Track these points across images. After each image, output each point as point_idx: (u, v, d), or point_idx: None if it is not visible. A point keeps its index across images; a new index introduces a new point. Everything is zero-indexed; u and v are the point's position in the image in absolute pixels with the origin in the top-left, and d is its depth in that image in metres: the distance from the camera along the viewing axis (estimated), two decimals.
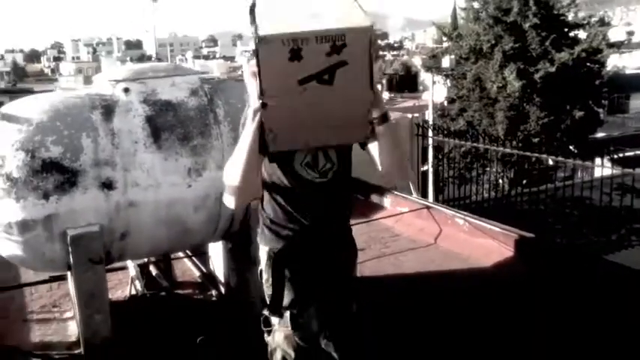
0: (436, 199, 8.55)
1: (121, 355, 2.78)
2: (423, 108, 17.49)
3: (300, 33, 1.58)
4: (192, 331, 2.88)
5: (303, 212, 1.92)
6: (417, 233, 4.68)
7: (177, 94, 2.90)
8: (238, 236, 3.08)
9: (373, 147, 1.88)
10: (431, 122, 10.29)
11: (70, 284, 3.05)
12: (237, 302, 3.20)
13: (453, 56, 16.72)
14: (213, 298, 3.49)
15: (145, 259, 3.64)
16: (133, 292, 3.53)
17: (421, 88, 30.74)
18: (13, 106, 2.78)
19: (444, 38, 18.33)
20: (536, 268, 3.73)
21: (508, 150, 8.37)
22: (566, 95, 15.17)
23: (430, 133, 8.69)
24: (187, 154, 2.79)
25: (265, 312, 1.98)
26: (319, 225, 1.94)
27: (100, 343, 2.73)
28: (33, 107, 2.73)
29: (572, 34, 16.47)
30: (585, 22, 16.48)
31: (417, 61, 33.51)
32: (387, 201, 5.30)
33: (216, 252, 3.40)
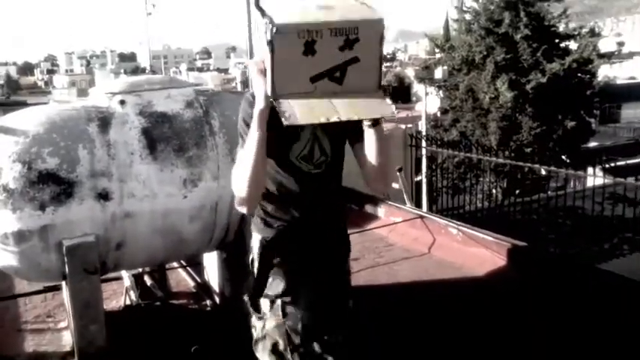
0: (430, 209, 8.59)
1: None
2: (417, 119, 17.59)
3: (314, 24, 1.53)
4: (187, 341, 2.90)
5: (296, 202, 1.95)
6: (411, 243, 4.71)
7: (172, 106, 2.94)
8: (233, 246, 3.11)
9: (359, 149, 1.90)
10: (424, 133, 10.37)
11: (65, 294, 3.06)
12: (232, 312, 3.21)
13: (445, 67, 16.86)
14: (208, 308, 3.50)
15: (140, 270, 3.65)
16: (128, 302, 3.54)
17: (414, 99, 30.92)
18: (9, 119, 2.81)
19: (437, 50, 18.51)
20: (529, 277, 3.76)
21: (501, 160, 8.45)
22: (558, 105, 15.32)
23: (424, 144, 8.76)
24: (183, 165, 2.82)
25: (255, 298, 1.99)
26: (312, 215, 1.97)
27: (95, 353, 2.74)
28: (29, 119, 2.75)
29: (563, 44, 16.67)
30: (576, 33, 16.69)
31: (410, 72, 33.74)
32: (381, 211, 5.34)
33: (211, 262, 3.42)
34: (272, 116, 1.71)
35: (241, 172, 1.80)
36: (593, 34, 17.04)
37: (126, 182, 2.72)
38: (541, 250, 4.95)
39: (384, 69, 1.88)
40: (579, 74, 16.16)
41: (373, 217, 5.29)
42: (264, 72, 1.62)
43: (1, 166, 2.56)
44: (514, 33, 15.84)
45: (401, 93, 33.80)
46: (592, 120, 17.02)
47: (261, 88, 1.67)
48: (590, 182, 7.86)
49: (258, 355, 2.03)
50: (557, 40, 16.53)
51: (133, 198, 2.73)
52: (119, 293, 3.66)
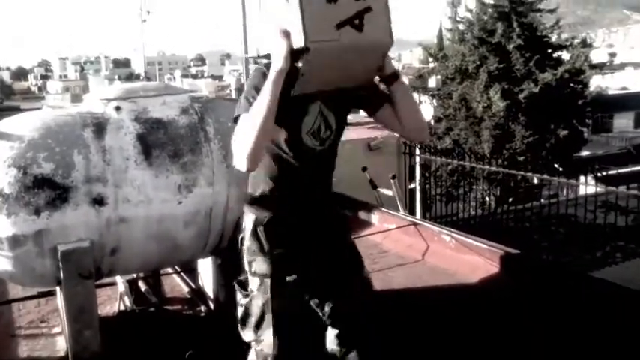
0: (424, 216, 8.62)
1: None
2: None
3: None
4: (181, 347, 2.90)
5: (296, 181, 1.97)
6: (405, 249, 4.73)
7: (167, 113, 2.95)
8: (227, 252, 3.11)
9: (387, 110, 1.96)
10: None
11: (59, 299, 3.05)
12: (226, 318, 3.21)
13: (439, 76, 16.97)
14: (202, 314, 3.50)
15: (134, 275, 3.65)
16: (122, 307, 3.54)
17: None
18: (4, 124, 2.81)
19: (430, 59, 18.62)
20: (522, 284, 3.78)
21: (494, 168, 8.51)
22: (551, 114, 15.43)
23: (417, 152, 8.80)
24: (178, 171, 2.83)
25: (241, 277, 2.03)
26: (310, 194, 2.00)
27: (89, 359, 2.74)
28: (25, 125, 2.76)
29: (555, 55, 16.82)
30: (568, 43, 16.86)
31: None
32: (375, 217, 5.36)
33: (205, 268, 3.43)
34: (287, 83, 1.75)
35: (247, 127, 1.79)
36: (585, 44, 17.20)
37: (121, 188, 2.73)
38: (534, 257, 4.97)
39: (377, 77, 1.94)
40: (571, 84, 16.31)
41: (367, 224, 5.31)
42: (286, 32, 1.70)
43: None
44: (507, 43, 15.98)
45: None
46: (584, 129, 17.15)
47: (282, 48, 1.72)
48: (583, 191, 7.92)
49: (242, 333, 2.05)
50: (549, 51, 16.69)
51: (127, 203, 2.74)
52: (113, 298, 3.66)
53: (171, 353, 2.93)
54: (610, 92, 29.18)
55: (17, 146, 2.61)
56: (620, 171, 12.17)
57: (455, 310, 3.55)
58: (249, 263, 2.03)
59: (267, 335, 1.98)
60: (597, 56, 19.61)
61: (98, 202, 2.68)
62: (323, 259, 2.03)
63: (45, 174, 2.59)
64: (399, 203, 6.37)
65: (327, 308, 2.04)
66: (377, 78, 1.94)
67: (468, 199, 10.69)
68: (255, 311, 2.00)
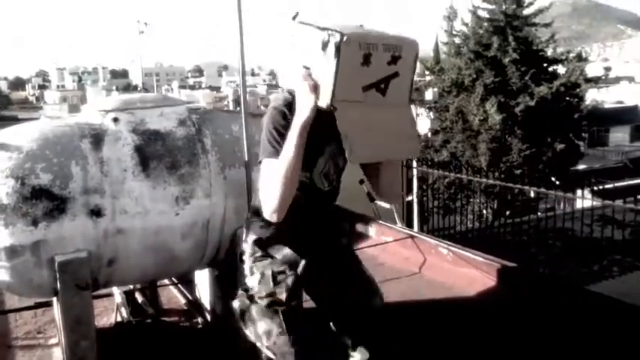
0: (421, 229, 8.62)
1: None
2: None
3: (373, 38, 1.69)
4: (178, 359, 2.88)
5: (302, 215, 2.00)
6: (402, 262, 4.72)
7: (165, 124, 2.96)
8: (225, 264, 3.11)
9: (374, 169, 1.99)
10: None
11: (56, 310, 3.04)
12: (223, 330, 3.20)
13: (435, 89, 17.07)
14: (199, 326, 3.49)
15: (131, 286, 3.63)
16: (119, 319, 3.52)
17: None
18: (2, 135, 2.81)
19: (427, 72, 18.71)
20: (519, 298, 3.78)
21: (491, 181, 8.53)
22: (547, 128, 15.52)
23: (414, 164, 8.82)
24: (175, 183, 2.83)
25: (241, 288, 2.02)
26: (310, 223, 2.07)
27: None
28: (23, 135, 2.76)
29: (551, 69, 16.95)
30: (563, 57, 16.99)
31: None
32: (372, 230, 5.36)
33: (203, 280, 3.42)
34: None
35: (275, 179, 1.80)
36: (581, 58, 17.34)
37: (118, 199, 2.73)
38: (531, 271, 4.98)
39: None
40: (567, 98, 16.42)
41: (364, 237, 5.31)
42: (315, 87, 1.73)
43: None
44: (503, 57, 16.10)
45: None
46: (581, 143, 17.25)
47: (310, 101, 1.74)
48: (580, 204, 7.94)
49: (245, 328, 2.02)
50: (545, 64, 16.81)
51: (125, 214, 2.74)
52: (110, 310, 3.64)
53: None
54: (606, 106, 29.36)
55: (15, 157, 2.61)
56: (617, 184, 12.21)
57: (452, 324, 3.54)
58: (251, 269, 2.05)
59: (280, 336, 1.95)
60: (593, 70, 19.76)
61: (95, 213, 2.67)
62: (322, 255, 2.08)
63: (43, 185, 2.59)
64: (396, 216, 6.38)
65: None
66: None
67: (465, 211, 10.70)
68: (259, 303, 1.97)
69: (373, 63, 1.69)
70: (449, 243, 4.71)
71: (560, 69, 17.01)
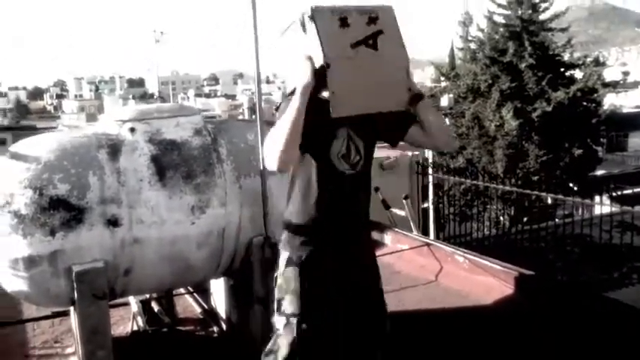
0: (437, 236, 8.57)
1: None
2: None
3: (342, 6, 1.91)
4: None
5: (328, 205, 2.01)
6: (418, 270, 4.70)
7: (181, 134, 2.98)
8: (240, 273, 3.11)
9: (414, 130, 2.08)
10: (431, 160, 10.38)
11: (73, 320, 3.06)
12: (239, 339, 3.21)
13: (451, 95, 16.97)
14: (215, 335, 3.49)
15: (147, 295, 3.65)
16: (135, 328, 3.54)
17: None
18: (21, 145, 2.85)
19: (442, 78, 18.64)
20: (537, 306, 3.74)
21: (508, 188, 8.45)
22: (564, 133, 15.34)
23: (430, 171, 8.77)
24: (191, 192, 2.85)
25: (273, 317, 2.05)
26: (342, 221, 2.04)
27: None
28: (41, 146, 2.80)
29: (568, 73, 16.78)
30: (580, 62, 16.81)
31: None
32: (388, 238, 5.34)
33: (218, 288, 3.42)
34: (314, 111, 1.87)
35: (277, 130, 1.89)
36: (598, 63, 17.14)
37: (135, 209, 2.75)
38: (549, 278, 4.92)
39: None
40: (585, 103, 16.23)
41: (380, 245, 5.29)
42: (308, 56, 1.88)
43: (13, 191, 2.60)
44: (519, 62, 15.97)
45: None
46: (599, 148, 17.02)
47: (306, 68, 1.87)
48: (598, 210, 7.83)
49: None
50: (562, 69, 16.65)
51: (141, 224, 2.76)
52: (126, 319, 3.66)
53: None
54: (624, 110, 28.99)
55: (33, 167, 2.65)
56: (636, 190, 12.05)
57: (469, 333, 3.50)
58: (279, 302, 2.05)
59: None
60: (611, 75, 19.54)
61: (112, 222, 2.70)
62: (353, 308, 2.07)
63: (60, 195, 2.62)
64: (411, 223, 6.34)
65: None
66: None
67: (481, 218, 10.60)
68: (282, 351, 2.01)
69: (352, 25, 1.88)
70: (465, 250, 4.68)
71: (578, 74, 16.83)
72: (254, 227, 2.94)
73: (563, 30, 17.24)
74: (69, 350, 3.36)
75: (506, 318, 3.72)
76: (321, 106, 1.88)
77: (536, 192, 8.11)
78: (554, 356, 3.16)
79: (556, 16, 17.01)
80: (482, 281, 4.21)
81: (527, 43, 16.03)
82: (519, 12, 16.58)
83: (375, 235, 5.41)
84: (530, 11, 16.58)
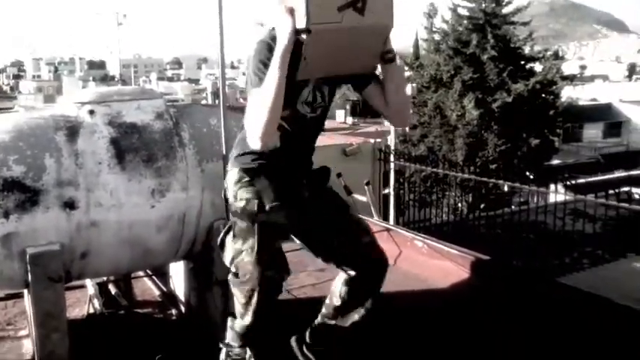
0: (397, 222, 8.70)
1: None
2: (386, 133, 17.77)
3: None
4: (152, 351, 2.88)
5: (284, 141, 2.07)
6: None
7: (142, 117, 2.95)
8: (200, 256, 3.12)
9: (375, 88, 2.06)
10: (393, 147, 10.50)
11: (27, 302, 3.01)
12: (198, 322, 3.21)
13: (414, 85, 17.14)
14: (173, 318, 3.49)
15: (104, 278, 3.62)
16: (92, 310, 3.50)
17: None
18: None
19: (406, 67, 18.81)
20: (492, 290, 3.85)
21: (467, 175, 8.62)
22: (523, 124, 15.74)
23: (392, 158, 8.87)
24: (151, 176, 2.83)
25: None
26: (294, 151, 2.13)
27: None
28: None
29: (528, 66, 17.20)
30: (540, 55, 17.27)
31: None
32: None
33: (177, 271, 3.42)
34: (289, 65, 1.83)
35: (259, 105, 1.88)
36: (557, 57, 17.66)
37: (93, 192, 2.72)
38: (504, 263, 5.06)
39: None
40: (543, 95, 16.67)
41: None
42: (291, 10, 1.78)
43: None
44: (481, 54, 16.29)
45: (371, 108, 34.09)
46: (555, 138, 17.53)
47: (287, 25, 1.79)
48: (553, 198, 8.07)
49: (222, 253, 2.16)
50: (522, 62, 17.06)
51: (99, 207, 2.73)
52: (82, 301, 3.62)
53: (140, 357, 2.91)
54: (580, 103, 29.82)
55: None
56: (589, 179, 12.46)
57: (426, 316, 3.59)
58: (235, 194, 2.09)
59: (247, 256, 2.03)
60: (569, 68, 20.12)
61: (69, 205, 2.66)
62: (312, 198, 2.17)
63: (15, 177, 2.56)
64: (372, 209, 6.43)
65: (335, 242, 2.23)
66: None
67: (441, 205, 10.80)
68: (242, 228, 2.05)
69: None
70: (424, 236, 4.77)
71: (537, 67, 17.27)
72: (215, 211, 2.94)
73: (524, 24, 17.63)
74: (22, 333, 3.30)
75: (462, 301, 3.82)
76: (297, 59, 1.84)
77: (493, 180, 8.31)
78: (509, 338, 3.27)
79: (518, 10, 17.37)
80: (440, 265, 4.31)
81: (489, 36, 16.35)
82: (483, 5, 16.87)
83: None
84: (493, 4, 16.90)
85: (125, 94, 3.10)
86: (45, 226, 2.62)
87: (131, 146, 2.83)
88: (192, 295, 3.28)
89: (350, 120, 30.09)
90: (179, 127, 2.98)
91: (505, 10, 17.05)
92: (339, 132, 9.37)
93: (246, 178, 2.09)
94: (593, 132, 33.40)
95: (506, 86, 15.86)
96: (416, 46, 22.54)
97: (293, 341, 2.47)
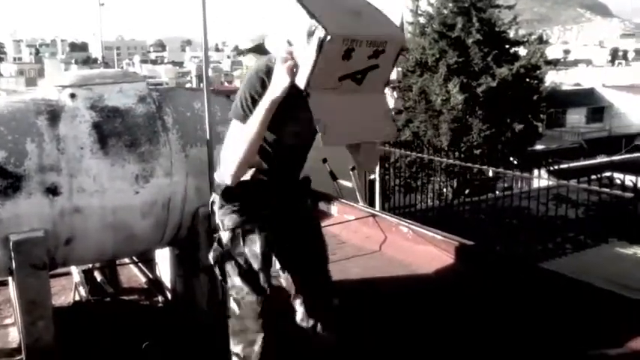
0: (382, 208, 8.73)
1: None
2: None
3: (357, 34, 1.70)
4: (138, 337, 2.88)
5: (270, 171, 2.09)
6: (363, 241, 4.79)
7: (124, 101, 2.91)
8: (185, 243, 3.10)
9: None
10: None
11: (12, 290, 2.98)
12: (184, 308, 3.21)
13: (399, 69, 17.08)
14: (159, 304, 3.48)
15: (90, 265, 3.59)
16: (77, 298, 3.48)
17: None
18: None
19: None
20: (475, 275, 3.90)
21: (451, 161, 8.68)
22: (507, 109, 15.80)
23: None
24: (135, 161, 2.80)
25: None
26: (280, 178, 2.14)
27: (43, 350, 2.69)
28: None
29: (512, 50, 17.20)
30: (525, 39, 17.27)
31: None
32: (334, 209, 5.40)
33: (163, 258, 3.40)
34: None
35: (239, 142, 1.90)
36: (541, 41, 17.66)
37: (75, 177, 2.68)
38: (488, 249, 5.11)
39: None
40: (527, 79, 16.73)
41: (326, 215, 5.36)
42: (292, 64, 1.74)
43: None
44: (466, 37, 16.26)
45: None
46: (539, 124, 17.62)
47: (284, 81, 1.76)
48: (536, 183, 8.14)
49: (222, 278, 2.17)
50: (507, 46, 17.06)
51: (82, 193, 2.70)
52: (68, 289, 3.60)
53: (127, 344, 2.91)
54: (564, 88, 30.04)
55: None
56: (572, 165, 12.59)
57: (409, 301, 3.63)
58: (222, 222, 2.12)
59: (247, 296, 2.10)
60: (553, 53, 20.17)
61: (52, 191, 2.63)
62: (290, 228, 2.19)
63: None
64: (358, 194, 6.44)
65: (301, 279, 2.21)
66: None
67: (426, 190, 10.86)
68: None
69: (354, 57, 1.71)
70: (409, 222, 4.80)
71: (522, 51, 17.30)
72: (200, 197, 2.92)
73: (509, 7, 17.61)
74: (8, 321, 3.28)
75: (446, 286, 3.86)
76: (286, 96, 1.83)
77: (478, 165, 8.37)
78: (492, 322, 3.32)
79: None
80: (424, 251, 4.34)
81: (474, 19, 16.31)
82: None
83: (322, 205, 5.47)
84: None
85: (107, 77, 3.05)
86: (28, 212, 2.58)
87: (114, 130, 2.79)
88: (178, 282, 3.27)
89: None
90: (162, 111, 2.95)
91: None
92: None
93: (229, 206, 2.10)
94: (576, 117, 33.69)
95: (490, 70, 15.89)
96: (401, 29, 22.48)
97: None
